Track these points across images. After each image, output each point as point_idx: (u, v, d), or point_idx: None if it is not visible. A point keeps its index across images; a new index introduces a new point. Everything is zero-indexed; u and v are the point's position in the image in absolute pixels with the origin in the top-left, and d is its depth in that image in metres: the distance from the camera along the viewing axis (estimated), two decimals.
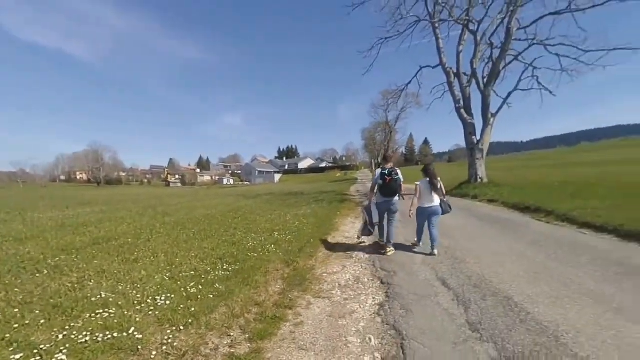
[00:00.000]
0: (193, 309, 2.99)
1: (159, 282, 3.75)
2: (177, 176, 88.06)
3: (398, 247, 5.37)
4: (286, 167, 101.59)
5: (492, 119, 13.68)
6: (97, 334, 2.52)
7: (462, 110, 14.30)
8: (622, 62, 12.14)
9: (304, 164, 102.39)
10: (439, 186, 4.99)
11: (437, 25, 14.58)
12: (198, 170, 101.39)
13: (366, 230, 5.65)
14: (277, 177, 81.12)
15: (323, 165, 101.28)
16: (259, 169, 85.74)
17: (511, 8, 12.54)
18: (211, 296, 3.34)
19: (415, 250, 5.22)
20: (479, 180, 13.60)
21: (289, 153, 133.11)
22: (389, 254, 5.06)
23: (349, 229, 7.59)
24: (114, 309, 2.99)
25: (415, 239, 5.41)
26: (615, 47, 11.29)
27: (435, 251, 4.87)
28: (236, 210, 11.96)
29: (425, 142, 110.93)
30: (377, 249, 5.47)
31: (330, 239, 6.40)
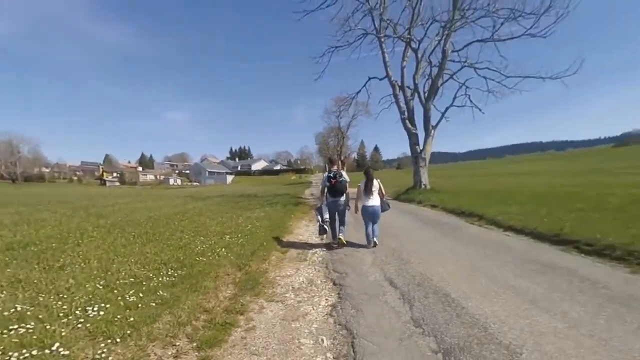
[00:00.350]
0: (132, 319, 2.74)
1: (90, 291, 3.36)
2: (114, 174, 79.30)
3: (350, 244, 5.56)
4: (239, 168, 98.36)
5: (432, 131, 14.94)
6: (9, 354, 2.17)
7: (407, 121, 15.35)
8: (534, 89, 14.26)
9: (257, 166, 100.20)
10: (375, 187, 5.74)
11: (382, 40, 15.46)
12: (140, 169, 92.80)
13: (322, 229, 6.00)
14: (229, 178, 78.11)
15: (277, 167, 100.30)
16: (209, 170, 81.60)
17: (446, 32, 13.89)
18: (154, 304, 3.09)
19: (363, 244, 5.83)
20: (423, 186, 14.71)
21: (242, 154, 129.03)
22: (336, 245, 5.76)
23: (303, 231, 7.62)
24: (32, 323, 2.60)
25: (367, 238, 5.82)
26: (528, 75, 13.16)
27: (375, 239, 5.70)
28: (183, 213, 11.24)
29: (376, 149, 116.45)
30: (330, 249, 5.62)
31: (284, 242, 6.37)
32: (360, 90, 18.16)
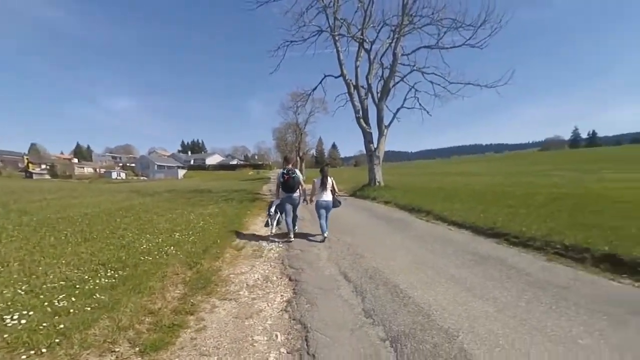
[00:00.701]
0: (62, 326, 2.46)
1: (9, 298, 2.95)
2: (43, 166, 69.74)
3: (305, 236, 5.60)
4: (192, 162, 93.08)
5: (385, 130, 15.51)
6: None
7: (361, 120, 15.72)
8: (475, 95, 15.59)
9: (212, 160, 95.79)
10: (329, 184, 6.20)
11: (337, 38, 15.59)
12: (75, 160, 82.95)
13: (271, 222, 6.45)
14: (181, 172, 73.61)
15: (234, 162, 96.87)
16: (158, 163, 75.89)
17: (396, 35, 14.48)
18: (89, 309, 2.81)
19: (317, 238, 6.18)
20: (377, 183, 15.31)
21: (195, 147, 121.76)
22: (291, 240, 6.03)
23: (260, 228, 7.49)
24: None
25: (321, 230, 6.21)
26: (468, 82, 14.25)
27: (326, 234, 6.05)
28: (127, 209, 10.35)
29: (334, 146, 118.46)
30: (288, 244, 5.62)
31: (239, 239, 6.20)
32: (316, 87, 18.16)
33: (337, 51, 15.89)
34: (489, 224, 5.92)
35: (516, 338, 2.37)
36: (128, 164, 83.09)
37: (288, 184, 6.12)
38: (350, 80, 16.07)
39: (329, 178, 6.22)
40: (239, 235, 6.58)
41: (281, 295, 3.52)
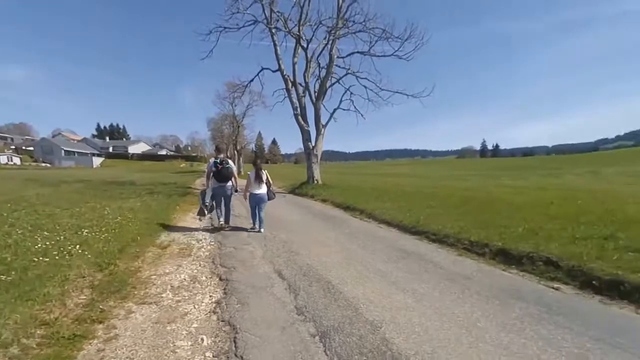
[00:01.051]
0: None
1: None
2: None
3: (238, 228, 5.41)
4: (110, 149, 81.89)
5: (323, 129, 15.85)
6: None
7: (299, 118, 15.79)
8: (404, 103, 16.77)
9: (136, 149, 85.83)
10: (263, 177, 6.33)
11: (274, 31, 15.34)
12: None
13: (202, 211, 6.40)
14: (97, 161, 64.37)
15: (163, 152, 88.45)
16: (66, 148, 64.76)
17: (331, 37, 14.92)
18: None
19: (249, 230, 6.38)
20: (315, 181, 15.59)
21: (114, 133, 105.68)
22: (226, 229, 6.23)
23: (190, 224, 6.98)
24: None
25: (251, 222, 6.49)
26: (397, 91, 15.34)
27: (262, 230, 6.23)
28: (18, 201, 8.62)
29: (274, 142, 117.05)
30: (219, 242, 5.33)
31: (164, 236, 5.69)
32: (253, 79, 17.60)
33: (274, 45, 15.60)
34: (413, 222, 6.52)
35: (430, 325, 2.65)
36: (24, 148, 69.00)
37: (221, 174, 6.16)
38: (288, 76, 15.92)
39: (262, 171, 6.37)
40: (165, 232, 6.03)
41: (210, 296, 3.33)
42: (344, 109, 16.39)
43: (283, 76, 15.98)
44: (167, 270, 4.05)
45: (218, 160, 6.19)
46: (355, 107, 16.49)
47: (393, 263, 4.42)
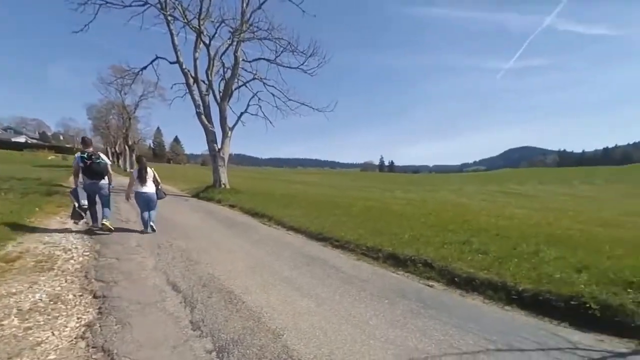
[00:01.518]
0: None
1: None
2: None
3: (123, 230, 4.64)
4: None
5: (229, 132, 15.08)
6: None
7: (203, 117, 14.71)
8: (312, 114, 17.17)
9: None
10: (149, 175, 6.06)
11: (170, 19, 13.89)
12: None
13: (76, 214, 5.63)
14: None
15: (21, 139, 69.26)
16: None
17: (236, 39, 14.32)
18: None
19: (141, 232, 5.97)
20: (222, 185, 14.71)
21: None
22: (105, 234, 5.66)
23: (54, 230, 5.63)
24: None
25: (142, 225, 6.09)
26: (304, 103, 15.70)
27: (149, 230, 5.97)
28: None
29: (177, 140, 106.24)
30: (97, 248, 4.44)
31: (12, 247, 4.43)
32: (146, 67, 15.58)
33: (171, 34, 14.06)
34: (319, 229, 6.82)
35: (329, 328, 2.78)
36: None
37: (91, 169, 5.63)
38: (189, 71, 14.59)
39: (148, 169, 6.10)
40: (13, 241, 4.70)
41: (78, 318, 2.73)
42: (252, 114, 15.91)
43: (182, 70, 14.47)
44: (14, 290, 3.14)
45: (86, 155, 5.59)
46: (263, 113, 16.17)
47: (298, 269, 4.50)
